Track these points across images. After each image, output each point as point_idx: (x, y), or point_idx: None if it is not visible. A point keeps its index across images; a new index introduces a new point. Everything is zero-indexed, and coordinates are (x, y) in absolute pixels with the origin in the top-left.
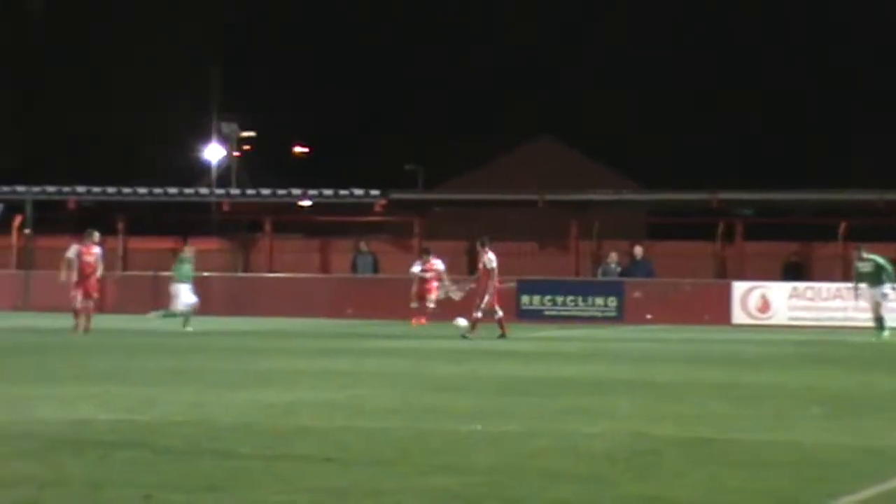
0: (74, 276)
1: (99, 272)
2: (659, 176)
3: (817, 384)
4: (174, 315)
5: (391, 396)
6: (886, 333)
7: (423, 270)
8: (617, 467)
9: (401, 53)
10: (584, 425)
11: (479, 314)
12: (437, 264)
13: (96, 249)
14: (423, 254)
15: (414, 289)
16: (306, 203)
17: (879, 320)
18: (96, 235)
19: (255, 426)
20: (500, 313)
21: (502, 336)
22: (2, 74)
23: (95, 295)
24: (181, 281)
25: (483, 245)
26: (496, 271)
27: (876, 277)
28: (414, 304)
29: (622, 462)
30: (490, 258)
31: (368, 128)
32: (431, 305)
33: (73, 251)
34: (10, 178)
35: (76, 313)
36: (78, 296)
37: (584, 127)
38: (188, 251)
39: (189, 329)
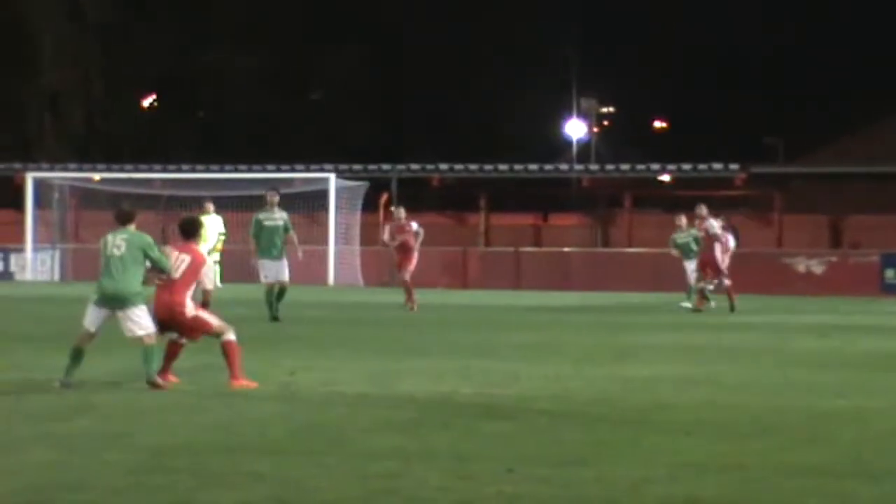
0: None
1: (415, 247)
2: None
3: None
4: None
5: (750, 371)
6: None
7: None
8: None
9: (770, 27)
10: None
11: (710, 286)
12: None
13: (413, 225)
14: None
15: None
16: (665, 178)
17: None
18: (401, 211)
19: (614, 401)
20: (728, 282)
21: (732, 308)
22: (363, 53)
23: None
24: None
25: (705, 213)
26: (721, 238)
27: None
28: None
29: None
30: (712, 223)
31: (727, 101)
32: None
33: (386, 233)
34: (376, 156)
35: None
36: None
37: None
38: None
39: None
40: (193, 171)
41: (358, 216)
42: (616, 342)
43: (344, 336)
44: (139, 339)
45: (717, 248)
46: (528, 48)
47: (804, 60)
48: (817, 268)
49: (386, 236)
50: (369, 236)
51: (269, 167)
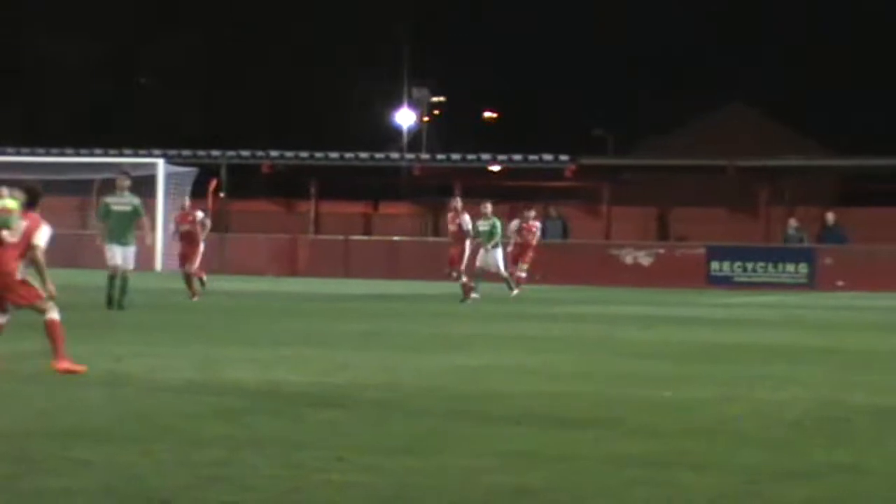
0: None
1: (202, 237)
2: (850, 142)
3: None
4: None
5: (580, 362)
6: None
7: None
8: (807, 434)
9: (583, 18)
10: (775, 392)
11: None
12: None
13: (199, 214)
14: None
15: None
16: (496, 168)
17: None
18: (186, 200)
19: (444, 390)
20: (465, 279)
21: (464, 300)
22: (189, 40)
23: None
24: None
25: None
26: (470, 234)
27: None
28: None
29: (813, 429)
30: (467, 220)
31: (556, 92)
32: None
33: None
34: (207, 143)
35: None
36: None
37: (771, 91)
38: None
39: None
40: (18, 154)
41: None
42: (447, 332)
43: (171, 323)
44: None
45: (468, 243)
46: (361, 36)
47: (632, 57)
48: (645, 259)
49: (171, 226)
50: None
51: (97, 151)
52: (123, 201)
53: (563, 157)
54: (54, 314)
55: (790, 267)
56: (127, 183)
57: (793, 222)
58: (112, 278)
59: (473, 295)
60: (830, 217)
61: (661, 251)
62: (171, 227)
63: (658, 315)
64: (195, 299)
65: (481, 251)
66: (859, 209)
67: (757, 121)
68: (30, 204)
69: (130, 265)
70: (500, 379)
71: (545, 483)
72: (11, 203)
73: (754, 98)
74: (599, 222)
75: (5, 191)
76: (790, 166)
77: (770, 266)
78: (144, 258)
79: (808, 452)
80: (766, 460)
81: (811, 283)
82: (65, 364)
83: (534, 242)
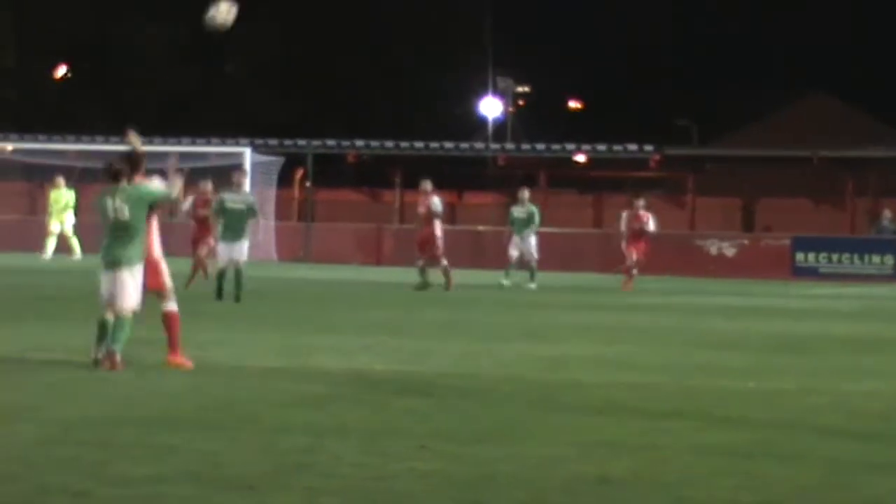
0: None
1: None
2: None
3: None
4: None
5: (661, 352)
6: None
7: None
8: (892, 426)
9: (674, 5)
10: (859, 384)
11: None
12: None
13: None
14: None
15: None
16: (581, 158)
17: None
18: (208, 184)
19: (524, 379)
20: (445, 262)
21: (447, 288)
22: (273, 31)
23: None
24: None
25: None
26: (441, 216)
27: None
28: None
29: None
30: (435, 201)
31: (643, 83)
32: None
33: (187, 204)
34: (292, 131)
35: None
36: None
37: (859, 82)
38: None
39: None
40: (108, 142)
41: (273, 191)
42: (527, 321)
43: (256, 311)
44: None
45: (437, 226)
46: (445, 25)
47: (719, 47)
48: (729, 250)
49: (187, 206)
50: (283, 212)
51: (184, 140)
52: (238, 199)
53: (648, 147)
54: (172, 305)
55: (876, 258)
56: (245, 179)
57: (887, 213)
58: (223, 273)
59: (503, 281)
60: None
61: (746, 242)
62: (186, 206)
63: (742, 306)
64: (191, 286)
65: (515, 238)
66: None
67: (839, 111)
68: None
69: (244, 257)
70: (580, 368)
71: (627, 472)
72: None
73: (836, 88)
74: (684, 213)
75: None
76: (875, 157)
77: (856, 257)
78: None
79: (894, 444)
80: (850, 452)
81: None
82: (178, 358)
83: (649, 230)
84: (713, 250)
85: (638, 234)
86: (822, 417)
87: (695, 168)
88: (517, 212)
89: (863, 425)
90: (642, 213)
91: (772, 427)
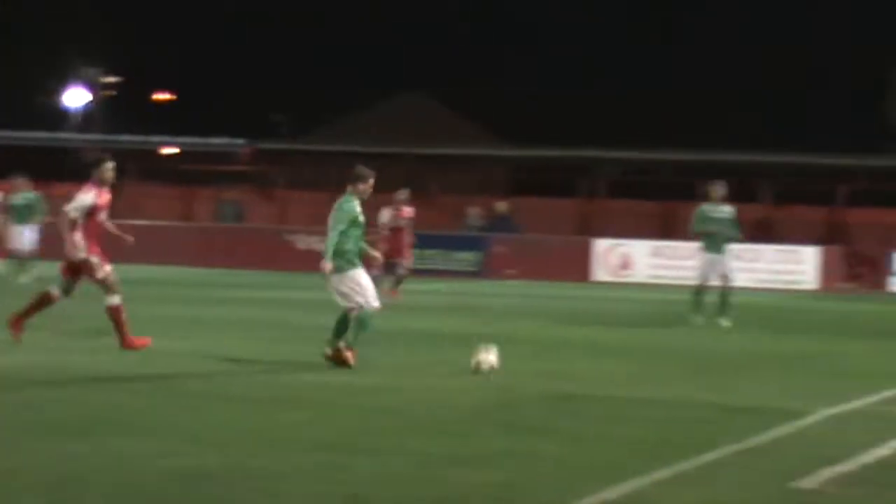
0: None
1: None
2: (524, 133)
3: (678, 345)
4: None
5: (243, 346)
6: None
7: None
8: (481, 420)
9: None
10: (448, 380)
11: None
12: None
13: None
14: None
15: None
16: (171, 151)
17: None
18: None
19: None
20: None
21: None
22: None
23: None
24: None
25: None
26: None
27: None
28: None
29: (486, 415)
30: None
31: (235, 76)
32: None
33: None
34: None
35: None
36: None
37: (452, 82)
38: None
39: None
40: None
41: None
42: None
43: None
44: None
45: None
46: (31, 10)
47: (313, 44)
48: (319, 245)
49: (387, 218)
50: None
51: None
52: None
53: (239, 141)
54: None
55: (462, 255)
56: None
57: (474, 211)
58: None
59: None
60: (501, 206)
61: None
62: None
63: (326, 299)
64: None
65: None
66: (529, 198)
67: (433, 109)
68: None
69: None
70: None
71: (220, 467)
72: None
73: (433, 87)
74: (274, 206)
75: None
76: (463, 155)
77: (442, 253)
78: None
79: (481, 438)
80: (439, 446)
81: (482, 271)
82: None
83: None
84: (302, 245)
85: (399, 230)
86: (411, 412)
87: (285, 163)
88: (14, 199)
89: (453, 420)
90: (406, 208)
91: (357, 420)
